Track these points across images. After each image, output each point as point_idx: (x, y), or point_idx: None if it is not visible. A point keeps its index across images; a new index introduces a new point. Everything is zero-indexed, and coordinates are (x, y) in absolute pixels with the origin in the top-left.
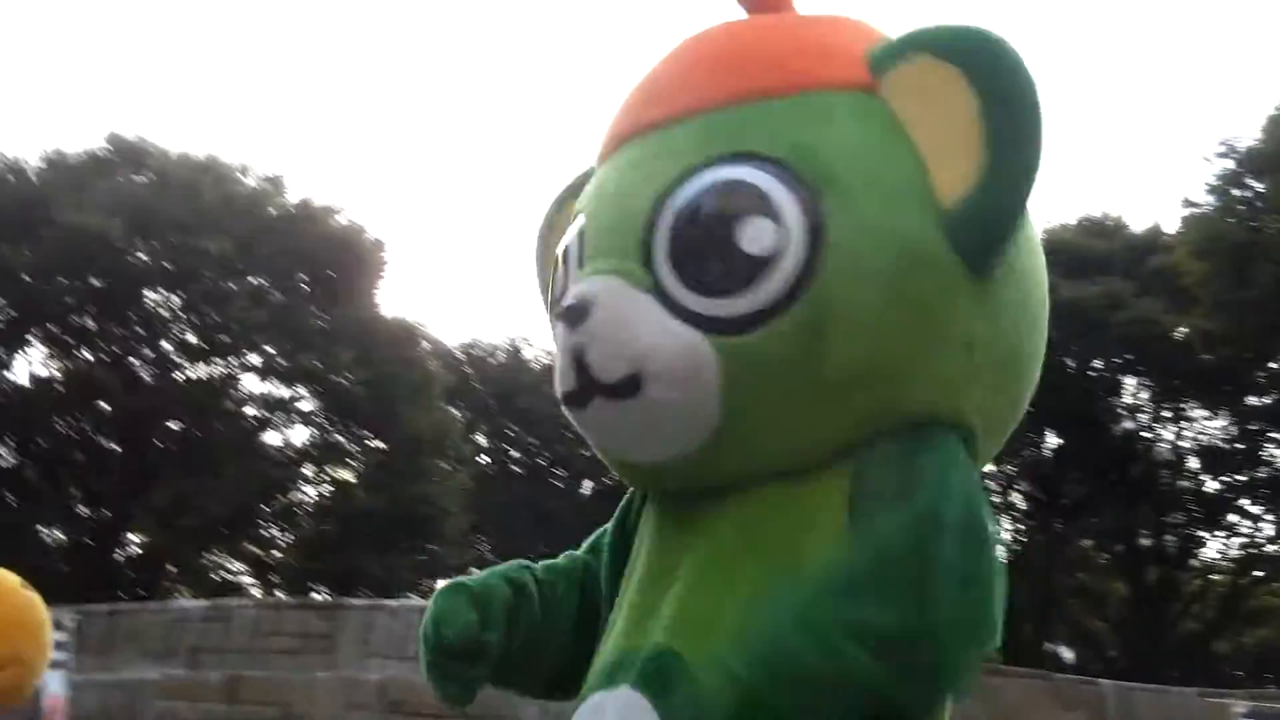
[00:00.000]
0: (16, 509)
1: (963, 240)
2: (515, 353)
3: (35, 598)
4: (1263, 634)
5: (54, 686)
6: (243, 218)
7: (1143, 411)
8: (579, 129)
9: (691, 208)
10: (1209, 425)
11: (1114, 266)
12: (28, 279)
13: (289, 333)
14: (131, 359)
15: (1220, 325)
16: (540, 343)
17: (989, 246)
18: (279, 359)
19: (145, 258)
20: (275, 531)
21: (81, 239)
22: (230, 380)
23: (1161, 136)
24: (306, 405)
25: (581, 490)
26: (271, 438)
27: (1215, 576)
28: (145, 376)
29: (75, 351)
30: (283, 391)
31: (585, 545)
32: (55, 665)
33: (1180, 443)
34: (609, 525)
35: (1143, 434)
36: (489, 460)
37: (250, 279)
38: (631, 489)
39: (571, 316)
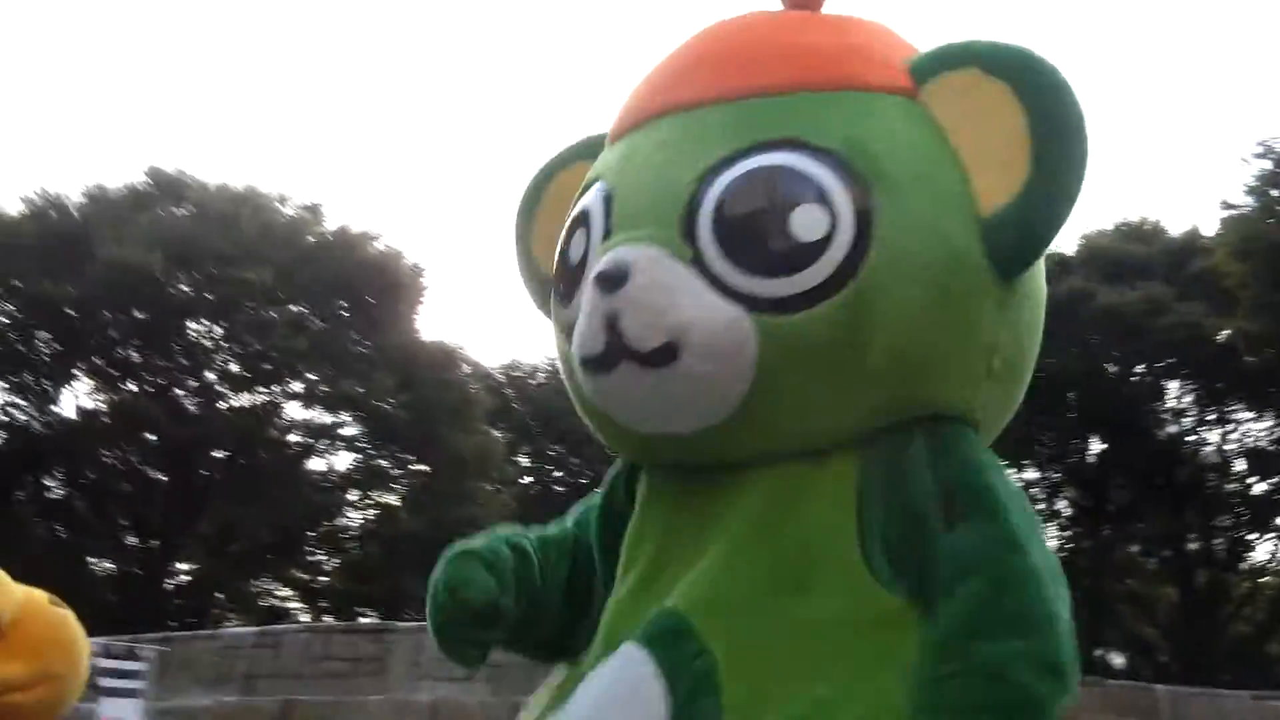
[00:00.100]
0: (66, 540)
1: (998, 248)
2: (556, 373)
3: (67, 614)
4: None
5: (123, 713)
6: (282, 247)
7: (1187, 415)
8: None
9: (744, 188)
10: (1254, 427)
11: (1153, 271)
12: (72, 313)
13: (330, 359)
14: (176, 389)
15: (1262, 326)
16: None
17: (1022, 257)
18: (321, 386)
19: (187, 289)
20: (321, 556)
21: (124, 272)
22: (273, 408)
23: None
24: (349, 431)
25: None
26: (315, 464)
27: (1265, 579)
28: (190, 406)
29: (120, 384)
30: (325, 418)
31: (572, 516)
32: (129, 694)
33: (1226, 445)
34: (596, 498)
35: (1187, 438)
36: (532, 481)
37: (291, 307)
38: (621, 462)
39: (607, 281)
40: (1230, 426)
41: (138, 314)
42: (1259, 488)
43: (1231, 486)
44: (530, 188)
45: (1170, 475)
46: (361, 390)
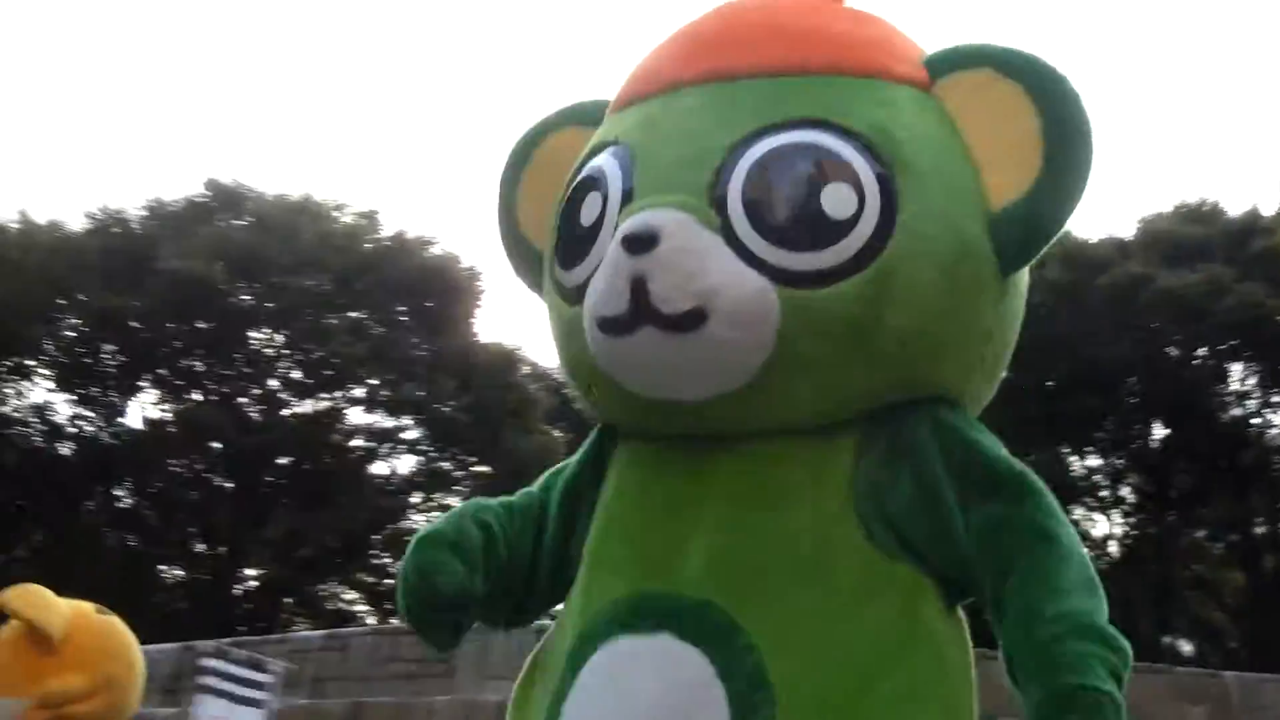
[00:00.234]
0: (136, 548)
1: (1004, 242)
2: None
3: (115, 620)
4: None
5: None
6: (340, 254)
7: (1251, 397)
8: None
9: (777, 162)
10: None
11: (1213, 252)
12: (137, 326)
13: (390, 364)
14: (240, 398)
15: None
16: None
17: (1026, 252)
18: (382, 390)
19: (248, 299)
20: (387, 559)
21: (186, 284)
22: (336, 414)
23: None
24: (411, 434)
25: None
26: (379, 468)
27: None
28: (254, 414)
29: (185, 394)
30: (387, 422)
31: (539, 483)
32: (253, 703)
33: None
34: (571, 465)
35: (1252, 420)
36: None
37: (350, 313)
38: (596, 432)
39: (635, 244)
40: None
41: (200, 324)
42: None
43: None
44: (518, 148)
45: (1235, 459)
46: (422, 394)
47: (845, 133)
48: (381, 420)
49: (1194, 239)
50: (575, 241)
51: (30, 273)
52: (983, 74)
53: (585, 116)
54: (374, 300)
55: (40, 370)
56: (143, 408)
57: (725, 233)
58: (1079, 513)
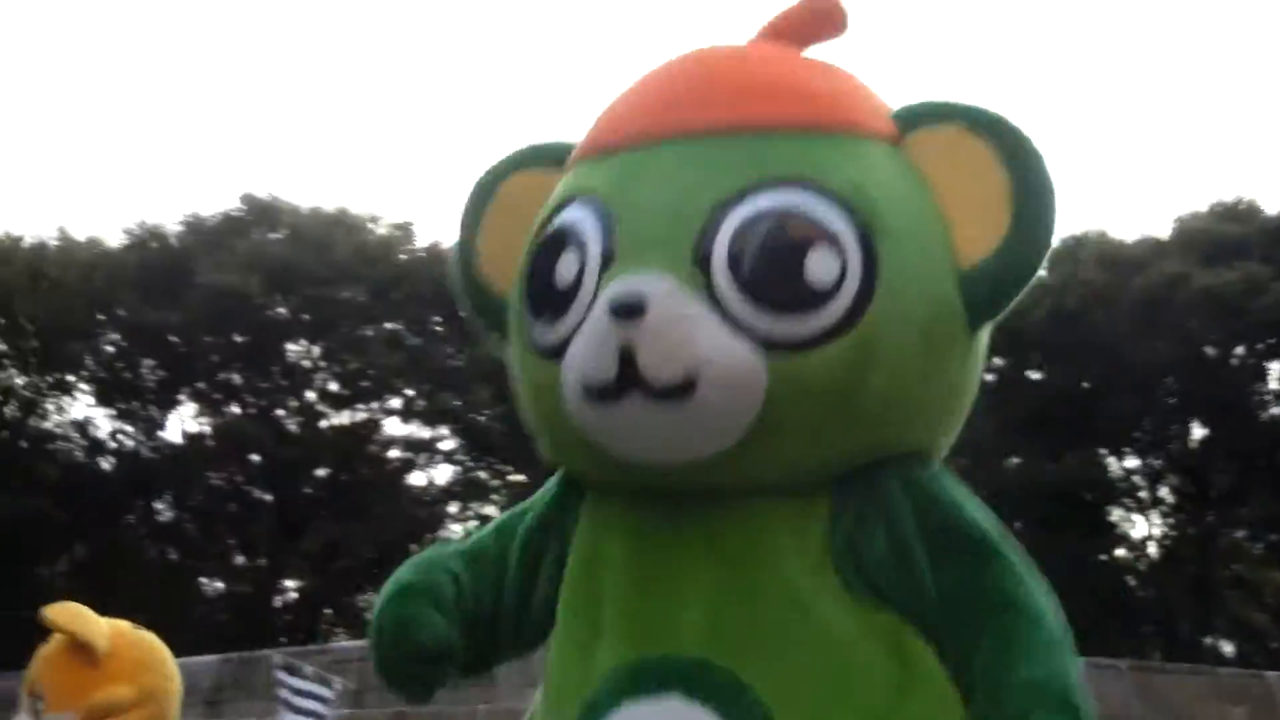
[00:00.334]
0: (177, 561)
1: (974, 298)
2: None
3: (151, 635)
4: None
5: None
6: (375, 266)
7: None
8: None
9: (760, 226)
10: None
11: (1250, 250)
12: (175, 340)
13: (426, 374)
14: (277, 410)
15: None
16: None
17: (992, 309)
18: (418, 401)
19: (284, 311)
20: None
21: (223, 297)
22: (373, 425)
23: None
24: (448, 444)
25: None
26: (416, 478)
27: None
28: (291, 426)
29: (224, 406)
30: (424, 433)
31: (492, 528)
32: (308, 714)
33: None
34: (530, 515)
35: None
36: None
37: (386, 325)
38: (558, 483)
39: (623, 312)
40: None
41: (238, 338)
42: None
43: None
44: (478, 190)
45: (1274, 458)
46: (458, 403)
47: (825, 193)
48: (418, 431)
49: (1231, 237)
50: (552, 299)
51: (70, 289)
52: (951, 131)
53: (547, 157)
54: (409, 311)
55: (81, 386)
56: (182, 421)
57: (712, 299)
58: (1117, 514)
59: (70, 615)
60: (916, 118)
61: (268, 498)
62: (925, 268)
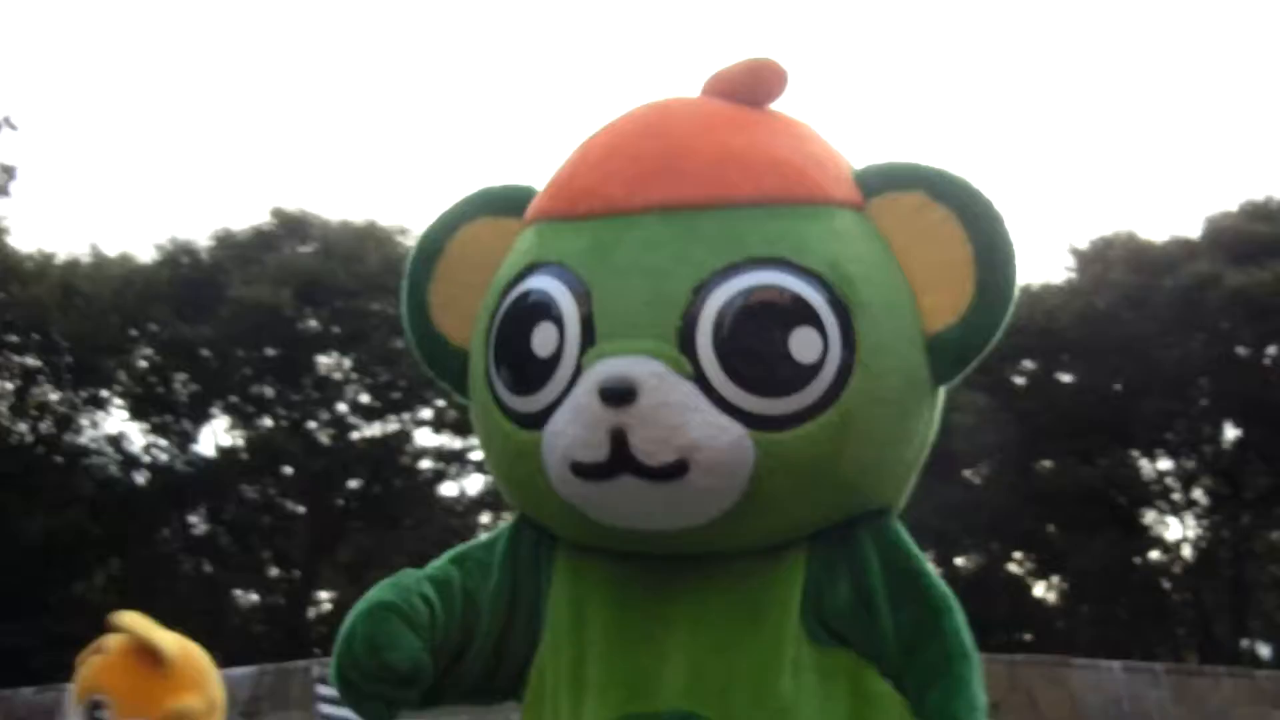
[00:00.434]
0: (212, 574)
1: (939, 362)
2: None
3: (198, 646)
4: None
5: None
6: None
7: None
8: None
9: (744, 308)
10: None
11: None
12: (207, 354)
13: None
14: (309, 422)
15: None
16: None
17: (956, 371)
18: (450, 411)
19: (315, 324)
20: None
21: (254, 311)
22: (404, 436)
23: None
24: (479, 455)
25: None
26: (448, 489)
27: None
28: (323, 439)
29: (256, 420)
30: (456, 443)
31: (448, 559)
32: None
33: None
34: (494, 557)
35: None
36: None
37: None
38: (522, 526)
39: (614, 398)
40: None
41: (269, 351)
42: None
43: None
44: (427, 240)
45: None
46: None
47: (803, 271)
48: (449, 441)
49: (1261, 236)
50: (529, 369)
51: (103, 305)
52: (914, 197)
53: (497, 206)
54: None
55: (115, 401)
56: (215, 435)
57: (699, 381)
58: (1151, 516)
59: (140, 624)
60: (880, 181)
61: (301, 509)
62: (897, 338)
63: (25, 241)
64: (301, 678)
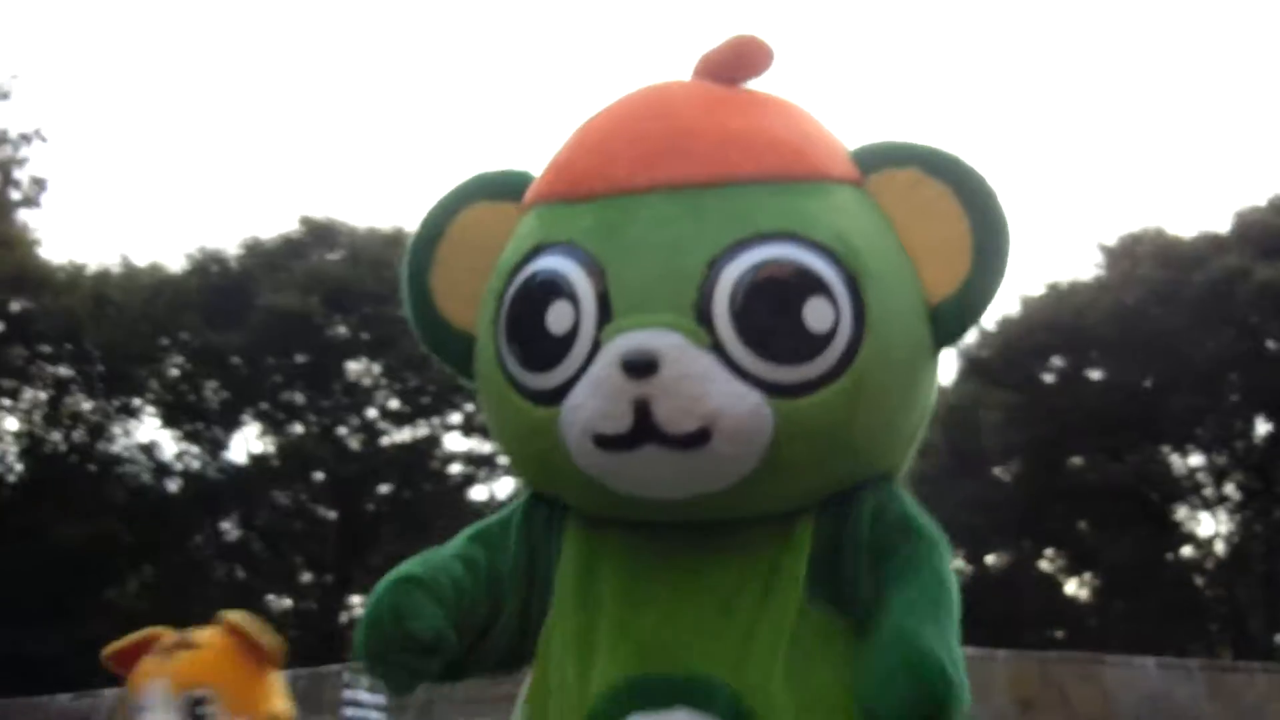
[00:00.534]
0: (245, 580)
1: (941, 329)
2: None
3: None
4: None
5: None
6: None
7: None
8: None
9: (758, 281)
10: None
11: None
12: (238, 361)
13: None
14: (339, 428)
15: None
16: None
17: (955, 338)
18: (479, 415)
19: (344, 330)
20: None
21: (284, 318)
22: (434, 440)
23: None
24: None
25: None
26: (478, 492)
27: None
28: (353, 444)
29: (287, 426)
30: (485, 447)
31: (468, 538)
32: None
33: None
34: (510, 533)
35: None
36: None
37: None
38: (535, 499)
39: (636, 368)
40: None
41: (299, 357)
42: None
43: None
44: (428, 225)
45: None
46: None
47: (812, 244)
48: (479, 446)
49: None
50: (545, 347)
51: (134, 314)
52: (909, 173)
53: (496, 190)
54: None
55: (146, 409)
56: (246, 441)
57: (718, 351)
58: (1182, 512)
59: (254, 623)
60: (877, 159)
61: (332, 515)
62: (903, 307)
63: (57, 253)
64: (334, 682)
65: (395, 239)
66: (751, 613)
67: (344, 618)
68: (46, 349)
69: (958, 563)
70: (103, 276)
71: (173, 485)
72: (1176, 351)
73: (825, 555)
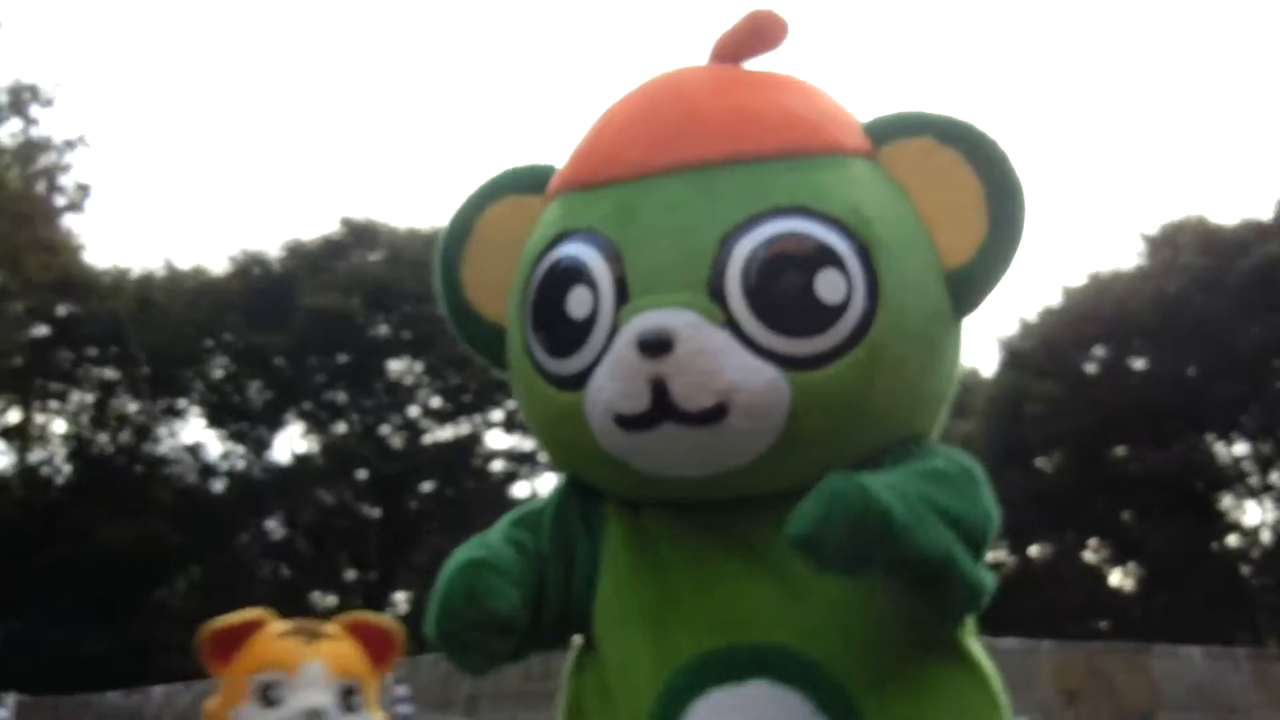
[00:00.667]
0: (290, 578)
1: (960, 298)
2: None
3: None
4: None
5: None
6: None
7: None
8: None
9: (770, 255)
10: None
11: None
12: (281, 362)
13: None
14: (382, 427)
15: None
16: None
17: (973, 304)
18: (520, 412)
19: (386, 330)
20: None
21: (326, 318)
22: (475, 438)
23: None
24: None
25: None
26: (520, 489)
27: None
28: (396, 443)
29: (330, 425)
30: (526, 444)
31: (511, 522)
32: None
33: None
34: (546, 520)
35: None
36: None
37: None
38: (568, 486)
39: (651, 346)
40: None
41: (341, 357)
42: None
43: None
44: (458, 221)
45: None
46: None
47: (824, 217)
48: (521, 443)
49: None
50: (567, 332)
51: (178, 317)
52: (923, 142)
53: (523, 184)
54: None
55: (191, 410)
56: (290, 441)
57: (732, 327)
58: (1227, 501)
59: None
60: (889, 130)
61: (375, 513)
62: (918, 275)
63: (101, 257)
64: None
65: (434, 239)
66: (817, 583)
67: (389, 614)
68: (93, 352)
69: (1000, 554)
70: (147, 280)
71: (218, 485)
72: (1219, 340)
73: None
